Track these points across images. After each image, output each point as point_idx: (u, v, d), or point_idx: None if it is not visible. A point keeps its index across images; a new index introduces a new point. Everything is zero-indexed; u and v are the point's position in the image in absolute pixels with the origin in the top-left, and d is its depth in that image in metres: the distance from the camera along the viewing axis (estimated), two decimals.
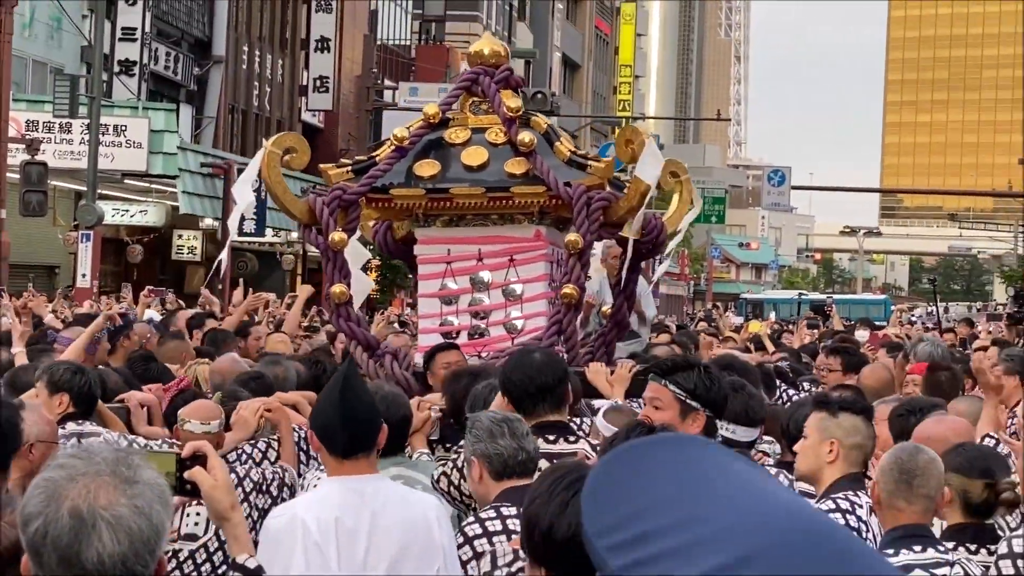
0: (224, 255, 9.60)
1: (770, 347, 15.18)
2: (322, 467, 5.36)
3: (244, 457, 6.83)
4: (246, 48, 42.63)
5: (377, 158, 8.70)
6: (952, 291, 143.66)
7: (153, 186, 33.98)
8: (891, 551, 4.82)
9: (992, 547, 5.07)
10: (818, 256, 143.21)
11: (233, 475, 6.50)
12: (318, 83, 45.05)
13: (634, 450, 1.60)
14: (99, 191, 29.21)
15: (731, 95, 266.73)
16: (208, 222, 35.75)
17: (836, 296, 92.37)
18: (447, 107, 8.95)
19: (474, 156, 8.66)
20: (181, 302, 23.76)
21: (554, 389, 6.04)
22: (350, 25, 46.80)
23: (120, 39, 35.74)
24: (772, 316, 47.42)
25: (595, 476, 1.58)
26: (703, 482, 1.55)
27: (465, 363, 8.00)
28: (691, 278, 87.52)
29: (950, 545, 5.05)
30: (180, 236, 37.10)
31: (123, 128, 31.54)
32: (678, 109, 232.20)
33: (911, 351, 11.65)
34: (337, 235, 8.44)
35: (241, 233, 34.79)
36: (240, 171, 31.89)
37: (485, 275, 8.81)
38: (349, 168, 8.78)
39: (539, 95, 41.12)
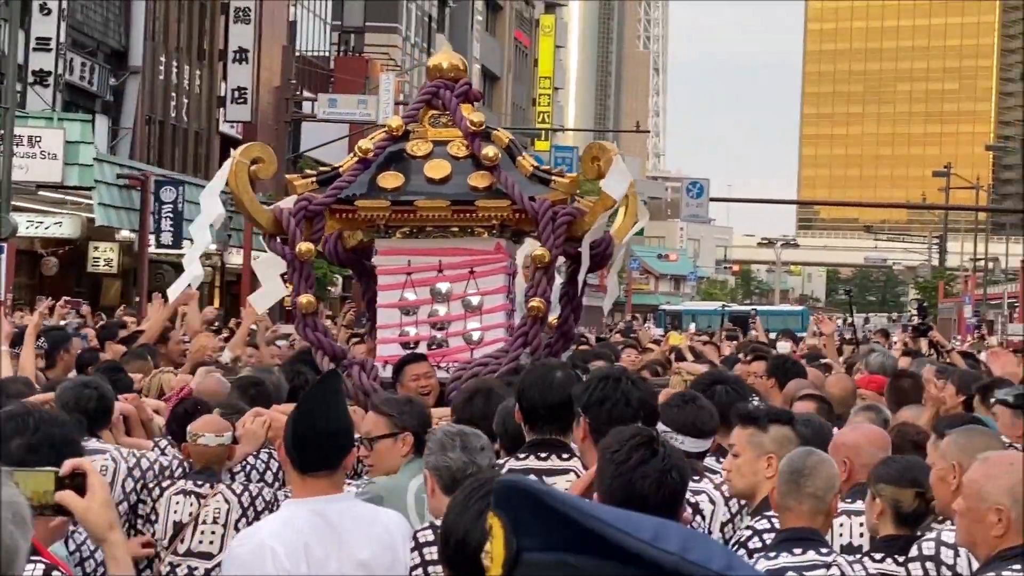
0: (192, 272, 9.37)
1: (690, 359, 15.18)
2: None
3: (249, 468, 6.85)
4: (163, 58, 42.32)
5: (340, 169, 8.85)
6: (868, 302, 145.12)
7: (68, 198, 33.62)
8: (773, 554, 4.93)
9: None
10: (736, 267, 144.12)
11: (246, 493, 6.54)
12: (236, 94, 44.80)
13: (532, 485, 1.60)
14: (13, 203, 28.86)
15: (649, 106, 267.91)
16: (125, 234, 35.43)
17: (755, 308, 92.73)
18: (410, 119, 9.07)
19: (437, 169, 8.80)
20: (102, 314, 23.55)
21: (564, 410, 5.97)
22: (268, 36, 46.57)
23: (34, 49, 35.35)
24: (692, 327, 47.59)
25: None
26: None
27: (434, 375, 8.24)
28: None
29: (880, 556, 5.10)
30: (96, 248, 36.70)
31: (38, 139, 31.17)
32: (597, 121, 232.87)
33: (861, 362, 11.72)
34: (304, 245, 8.58)
35: (159, 245, 34.53)
36: (157, 183, 31.52)
37: (445, 286, 8.93)
38: (314, 179, 8.91)
39: None
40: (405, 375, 8.15)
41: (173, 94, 43.09)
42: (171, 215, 34.20)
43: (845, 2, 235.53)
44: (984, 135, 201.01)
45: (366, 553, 4.76)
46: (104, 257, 36.79)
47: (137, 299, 25.08)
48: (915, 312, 72.12)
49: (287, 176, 9.19)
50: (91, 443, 6.78)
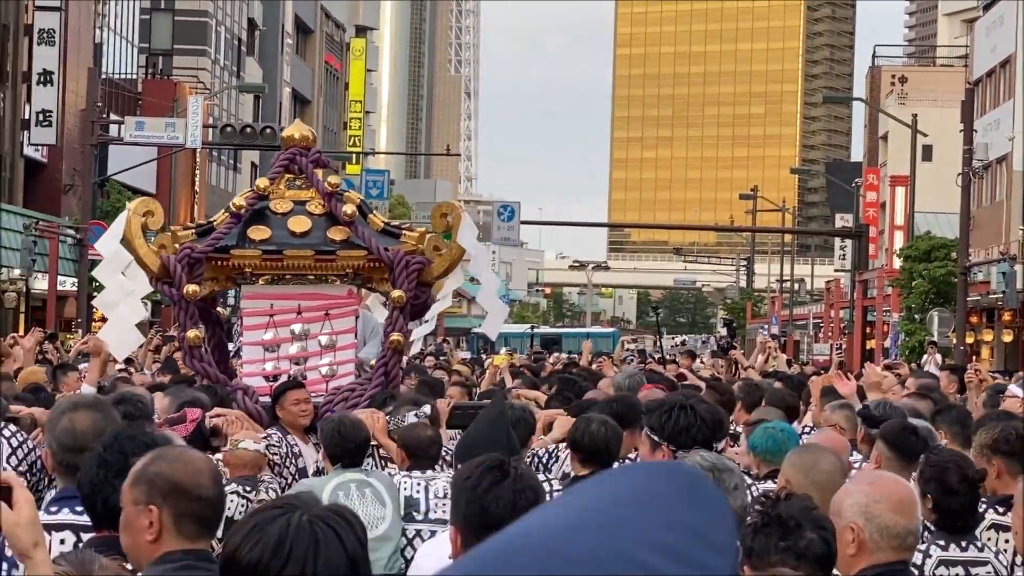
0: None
1: (510, 381, 15.28)
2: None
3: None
4: None
5: (215, 223, 10.24)
6: (678, 324, 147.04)
7: None
8: None
9: None
10: (548, 290, 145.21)
11: None
12: (41, 117, 43.99)
13: None
14: None
15: (461, 130, 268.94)
16: None
17: (566, 330, 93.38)
18: (273, 181, 10.40)
19: (299, 224, 10.16)
20: None
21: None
22: (74, 58, 45.84)
23: None
24: (503, 350, 47.70)
25: None
26: None
27: (310, 400, 9.36)
28: None
29: None
30: None
31: None
32: (409, 144, 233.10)
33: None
34: (190, 287, 9.97)
35: None
36: None
37: (303, 327, 10.28)
38: (193, 231, 10.34)
39: (268, 130, 40.86)
40: (287, 399, 9.15)
41: None
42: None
43: (653, 28, 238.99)
44: (789, 158, 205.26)
45: None
46: None
47: None
48: (723, 331, 73.18)
49: (172, 228, 10.58)
50: None
